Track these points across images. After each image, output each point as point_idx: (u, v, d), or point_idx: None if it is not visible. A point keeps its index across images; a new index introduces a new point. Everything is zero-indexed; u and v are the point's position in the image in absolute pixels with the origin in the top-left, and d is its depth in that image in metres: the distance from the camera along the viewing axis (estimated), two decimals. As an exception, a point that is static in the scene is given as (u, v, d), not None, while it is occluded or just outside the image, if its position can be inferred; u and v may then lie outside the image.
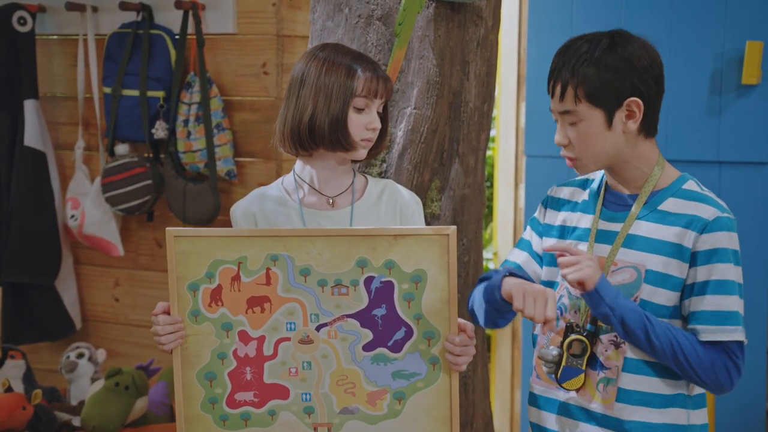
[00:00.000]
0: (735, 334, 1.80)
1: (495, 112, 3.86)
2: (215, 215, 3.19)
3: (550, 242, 1.97)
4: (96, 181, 3.32)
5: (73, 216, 3.36)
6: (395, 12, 2.39)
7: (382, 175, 2.42)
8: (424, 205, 2.46)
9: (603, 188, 1.92)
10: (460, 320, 1.84)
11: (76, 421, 2.90)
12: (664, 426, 1.83)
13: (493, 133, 4.37)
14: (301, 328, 1.84)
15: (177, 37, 3.23)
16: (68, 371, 3.15)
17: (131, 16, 3.28)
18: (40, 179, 3.37)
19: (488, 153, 4.04)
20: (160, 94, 3.23)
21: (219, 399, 1.87)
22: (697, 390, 1.88)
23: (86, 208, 3.32)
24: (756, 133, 3.27)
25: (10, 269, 3.34)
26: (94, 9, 3.37)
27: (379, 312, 1.82)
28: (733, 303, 1.80)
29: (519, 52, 3.75)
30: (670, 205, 1.82)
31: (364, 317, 1.82)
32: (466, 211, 2.56)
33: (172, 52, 3.22)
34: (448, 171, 2.50)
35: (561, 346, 1.88)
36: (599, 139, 1.81)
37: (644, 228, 1.83)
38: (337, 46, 2.04)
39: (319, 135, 1.95)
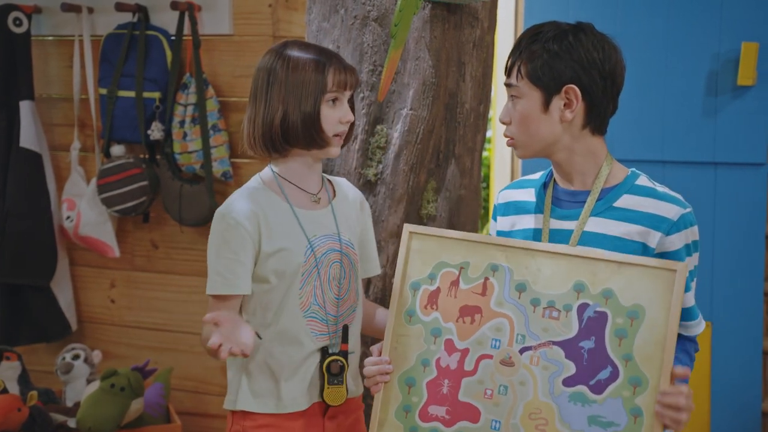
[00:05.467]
0: (703, 321, 1.85)
1: (491, 113, 3.86)
2: (211, 216, 3.17)
3: None
4: (92, 183, 3.31)
5: (68, 217, 3.35)
6: (391, 13, 2.39)
7: (377, 176, 2.42)
8: (420, 206, 2.47)
9: (550, 186, 1.90)
10: (678, 366, 1.64)
11: (72, 423, 2.89)
12: None
13: (489, 134, 4.37)
14: (505, 347, 1.73)
15: (173, 38, 3.23)
16: (64, 373, 3.14)
17: (127, 17, 3.28)
18: (35, 180, 3.36)
19: (484, 154, 4.04)
20: (156, 95, 3.22)
21: (413, 408, 1.79)
22: None
23: (82, 209, 3.32)
24: (751, 134, 3.27)
25: (5, 270, 3.33)
26: (90, 10, 3.36)
27: (587, 344, 1.68)
28: (693, 293, 1.83)
29: (515, 53, 3.76)
30: (627, 202, 1.81)
31: (570, 347, 1.68)
32: (462, 212, 2.55)
33: (168, 53, 3.22)
34: (444, 172, 2.50)
35: None
36: (534, 121, 1.80)
37: (601, 225, 1.81)
38: (298, 42, 2.01)
39: (293, 135, 1.92)
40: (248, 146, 1.99)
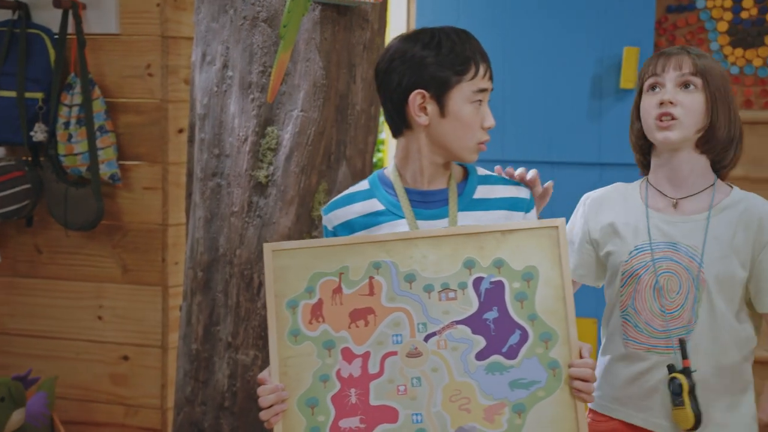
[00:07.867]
0: None
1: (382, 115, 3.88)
2: (98, 220, 3.13)
3: None
4: (-30, 186, 3.20)
5: (-55, 222, 3.24)
6: (281, 14, 2.38)
7: (268, 178, 2.41)
8: (312, 208, 2.46)
9: (399, 190, 1.87)
10: (583, 345, 1.72)
11: (-50, 437, 2.79)
12: None
13: (381, 135, 4.40)
14: (408, 340, 1.71)
15: (56, 36, 3.15)
16: (-59, 384, 3.02)
17: (6, 15, 3.18)
18: None
19: (378, 155, 4.07)
20: (39, 95, 3.14)
21: (321, 428, 1.71)
22: None
23: (-40, 213, 3.20)
24: (634, 136, 3.39)
25: None
26: (-33, 6, 3.25)
27: (491, 315, 1.71)
28: None
29: (407, 55, 3.80)
30: (483, 192, 1.87)
31: (475, 322, 1.71)
32: (354, 213, 2.57)
33: (52, 52, 3.14)
34: (336, 174, 2.51)
35: None
36: None
37: (471, 218, 1.84)
38: None
39: None
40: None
